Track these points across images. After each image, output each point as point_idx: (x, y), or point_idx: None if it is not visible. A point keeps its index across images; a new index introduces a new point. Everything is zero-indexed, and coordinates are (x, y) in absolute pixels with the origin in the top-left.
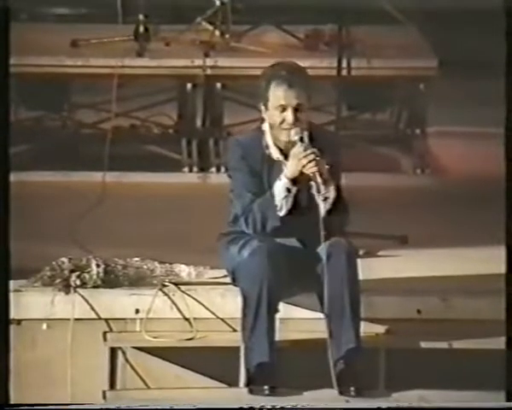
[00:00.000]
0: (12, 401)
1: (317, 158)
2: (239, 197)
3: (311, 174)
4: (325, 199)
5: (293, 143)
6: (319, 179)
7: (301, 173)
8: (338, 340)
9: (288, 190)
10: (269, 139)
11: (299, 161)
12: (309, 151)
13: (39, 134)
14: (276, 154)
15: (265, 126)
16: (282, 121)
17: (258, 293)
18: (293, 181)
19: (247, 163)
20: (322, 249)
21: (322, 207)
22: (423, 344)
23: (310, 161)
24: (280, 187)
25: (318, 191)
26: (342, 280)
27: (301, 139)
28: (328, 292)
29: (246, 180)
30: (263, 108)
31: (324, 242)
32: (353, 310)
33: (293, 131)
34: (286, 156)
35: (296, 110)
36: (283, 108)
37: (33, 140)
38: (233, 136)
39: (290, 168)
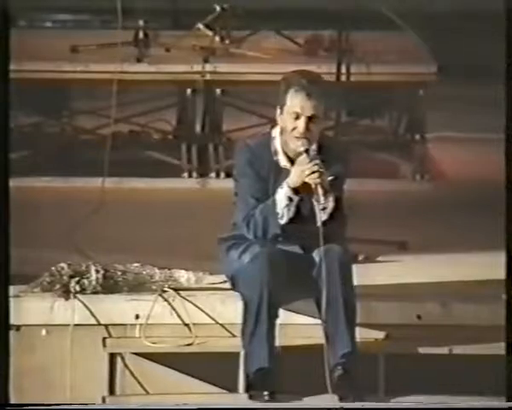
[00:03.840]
0: None
1: (321, 170)
2: (243, 202)
3: (313, 185)
4: (323, 209)
5: (299, 154)
6: (320, 190)
7: (304, 183)
8: (334, 345)
9: (290, 199)
10: (278, 145)
11: (302, 171)
12: (313, 162)
13: (39, 140)
14: (283, 161)
15: (275, 132)
16: (294, 129)
17: (258, 298)
18: (296, 190)
19: (253, 168)
20: (316, 255)
21: (319, 217)
22: (423, 350)
23: (313, 172)
24: (282, 195)
25: (318, 201)
26: (336, 286)
27: (307, 151)
28: (325, 298)
29: (251, 185)
30: (278, 111)
31: (319, 248)
32: (348, 315)
33: (299, 142)
34: (293, 164)
35: (310, 120)
36: (297, 116)
37: (33, 146)
38: (242, 139)
39: (293, 177)
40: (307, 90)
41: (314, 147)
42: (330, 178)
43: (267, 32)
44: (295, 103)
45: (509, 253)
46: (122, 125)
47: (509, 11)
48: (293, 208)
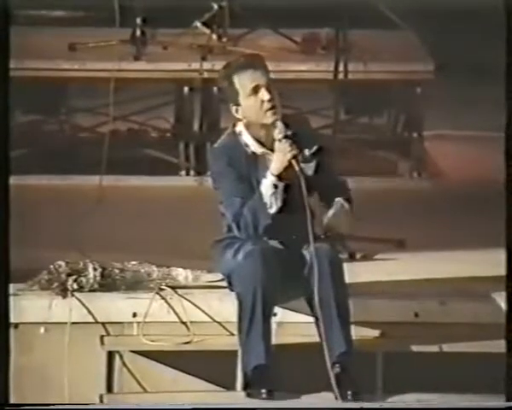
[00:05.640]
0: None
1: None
2: (229, 205)
3: (297, 168)
4: None
5: (272, 138)
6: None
7: (286, 168)
8: (330, 344)
9: (275, 187)
10: (247, 137)
11: (283, 155)
12: (294, 146)
13: (36, 138)
14: (258, 148)
15: (240, 127)
16: (262, 103)
17: (252, 296)
18: (280, 177)
19: (233, 168)
20: (306, 254)
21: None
22: (421, 348)
23: (294, 156)
24: (266, 184)
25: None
26: (328, 286)
27: (286, 136)
28: (317, 298)
29: (234, 186)
30: (234, 108)
31: (310, 245)
32: (341, 314)
33: (277, 130)
34: (270, 150)
35: (269, 91)
36: (256, 91)
37: (30, 144)
38: (212, 146)
39: (275, 164)
40: (251, 66)
41: (282, 127)
42: (314, 148)
43: (264, 30)
44: (247, 83)
45: (510, 251)
46: (120, 123)
47: (509, 10)
48: (280, 196)
